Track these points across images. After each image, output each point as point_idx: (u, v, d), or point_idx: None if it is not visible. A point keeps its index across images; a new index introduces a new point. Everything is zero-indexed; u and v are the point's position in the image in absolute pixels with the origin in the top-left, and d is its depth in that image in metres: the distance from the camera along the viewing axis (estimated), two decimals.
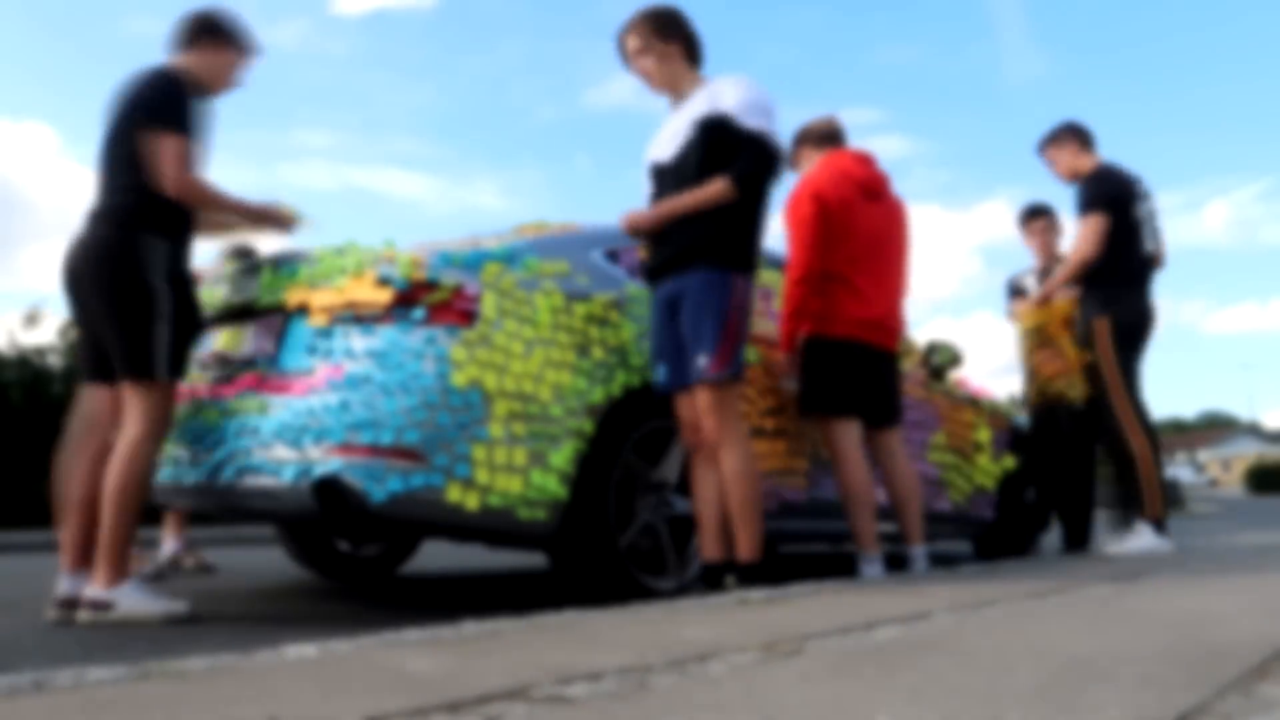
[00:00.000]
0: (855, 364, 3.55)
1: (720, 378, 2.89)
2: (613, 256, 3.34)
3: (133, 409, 2.79)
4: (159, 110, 2.79)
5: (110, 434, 2.84)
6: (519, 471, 2.75)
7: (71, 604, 2.78)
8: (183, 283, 2.88)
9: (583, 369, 2.95)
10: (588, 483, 2.91)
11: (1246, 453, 72.49)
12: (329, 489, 2.62)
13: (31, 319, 8.56)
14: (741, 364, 2.94)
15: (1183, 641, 1.87)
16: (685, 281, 2.92)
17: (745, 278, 2.94)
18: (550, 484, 2.81)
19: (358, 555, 4.20)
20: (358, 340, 2.74)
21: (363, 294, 2.77)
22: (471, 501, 2.66)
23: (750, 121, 2.91)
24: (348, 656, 1.64)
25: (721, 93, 2.96)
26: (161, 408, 2.81)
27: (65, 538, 2.84)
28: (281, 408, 2.75)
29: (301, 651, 1.66)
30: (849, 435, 3.54)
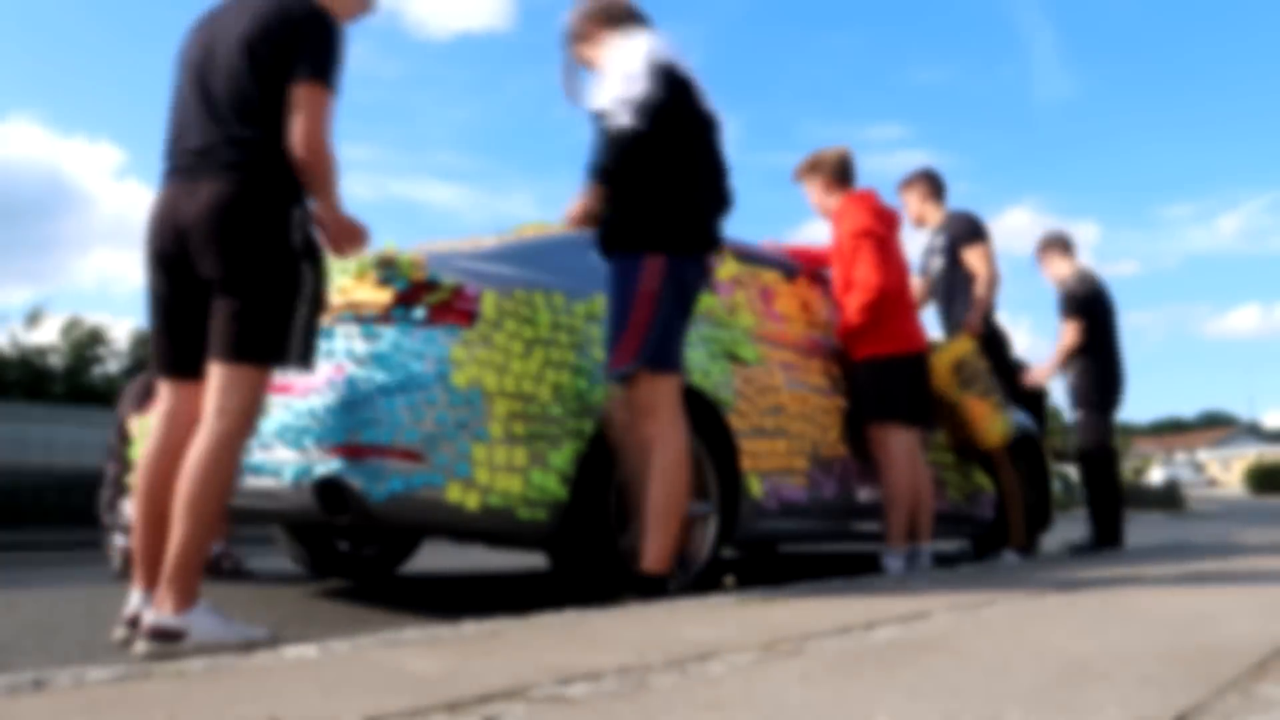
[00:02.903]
0: (915, 372, 4.00)
1: (615, 375, 2.68)
2: None
3: (230, 398, 2.26)
4: (321, 63, 2.32)
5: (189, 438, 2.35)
6: (519, 471, 2.75)
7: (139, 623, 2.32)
8: (319, 258, 2.39)
9: (583, 369, 2.94)
10: (588, 483, 2.91)
11: (1246, 453, 72.40)
12: (330, 489, 2.62)
13: (33, 319, 8.56)
14: (655, 356, 2.64)
15: (1181, 641, 1.87)
16: (609, 268, 2.75)
17: (665, 258, 2.64)
18: (550, 484, 2.81)
19: (357, 555, 4.20)
20: (358, 341, 2.74)
21: (363, 294, 2.77)
22: (471, 501, 2.66)
23: (597, 104, 2.68)
24: (347, 656, 1.64)
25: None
26: (261, 400, 2.34)
27: (140, 552, 2.38)
28: (282, 408, 2.75)
29: (301, 651, 1.66)
30: (904, 442, 3.88)
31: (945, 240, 4.82)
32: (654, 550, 2.65)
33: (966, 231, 4.79)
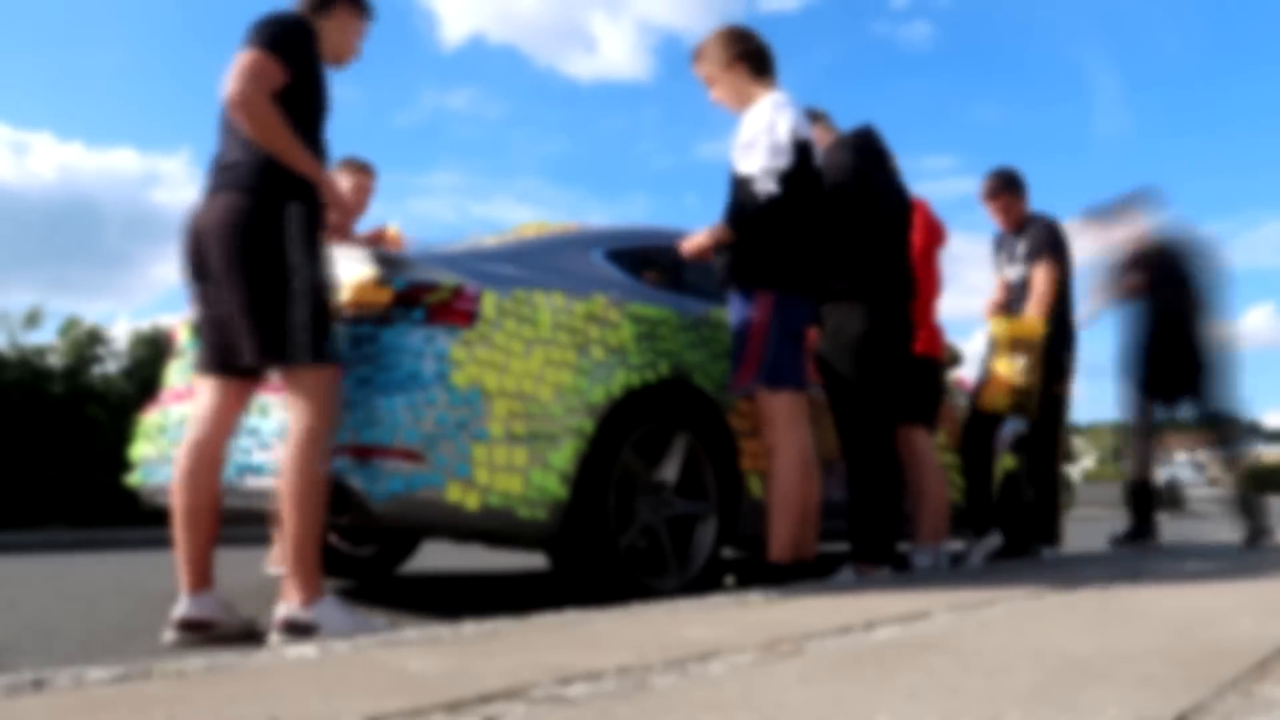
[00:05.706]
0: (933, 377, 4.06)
1: (737, 393, 3.15)
2: (613, 257, 3.34)
3: (297, 398, 2.40)
4: (261, 34, 2.41)
5: (223, 434, 2.57)
6: (519, 471, 2.75)
7: (190, 626, 2.45)
8: (316, 253, 2.46)
9: (583, 369, 2.94)
10: (588, 483, 2.91)
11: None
12: (330, 489, 2.61)
13: (31, 319, 8.55)
14: (770, 376, 3.02)
15: (1182, 641, 1.87)
16: (730, 301, 3.17)
17: (773, 293, 3.03)
18: (550, 484, 2.81)
19: (356, 555, 4.20)
20: (358, 340, 2.74)
21: (363, 294, 2.77)
22: (471, 501, 2.66)
23: (738, 166, 3.06)
24: (347, 656, 1.64)
25: (742, 124, 3.09)
26: (335, 393, 2.45)
27: (186, 554, 2.49)
28: (282, 408, 2.74)
29: (301, 651, 1.66)
30: (928, 442, 3.95)
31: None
32: (776, 542, 3.02)
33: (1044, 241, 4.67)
